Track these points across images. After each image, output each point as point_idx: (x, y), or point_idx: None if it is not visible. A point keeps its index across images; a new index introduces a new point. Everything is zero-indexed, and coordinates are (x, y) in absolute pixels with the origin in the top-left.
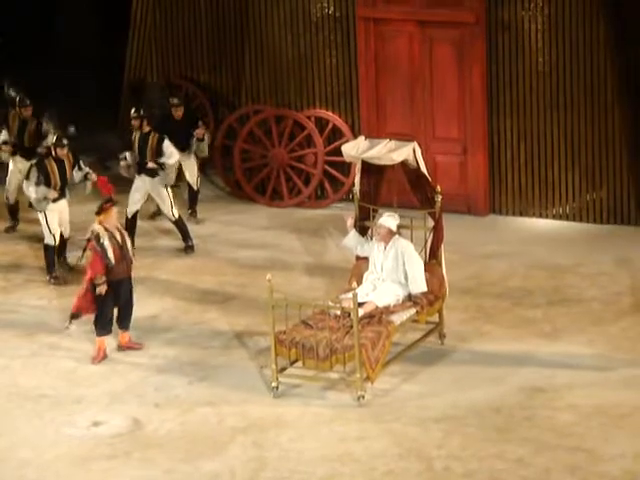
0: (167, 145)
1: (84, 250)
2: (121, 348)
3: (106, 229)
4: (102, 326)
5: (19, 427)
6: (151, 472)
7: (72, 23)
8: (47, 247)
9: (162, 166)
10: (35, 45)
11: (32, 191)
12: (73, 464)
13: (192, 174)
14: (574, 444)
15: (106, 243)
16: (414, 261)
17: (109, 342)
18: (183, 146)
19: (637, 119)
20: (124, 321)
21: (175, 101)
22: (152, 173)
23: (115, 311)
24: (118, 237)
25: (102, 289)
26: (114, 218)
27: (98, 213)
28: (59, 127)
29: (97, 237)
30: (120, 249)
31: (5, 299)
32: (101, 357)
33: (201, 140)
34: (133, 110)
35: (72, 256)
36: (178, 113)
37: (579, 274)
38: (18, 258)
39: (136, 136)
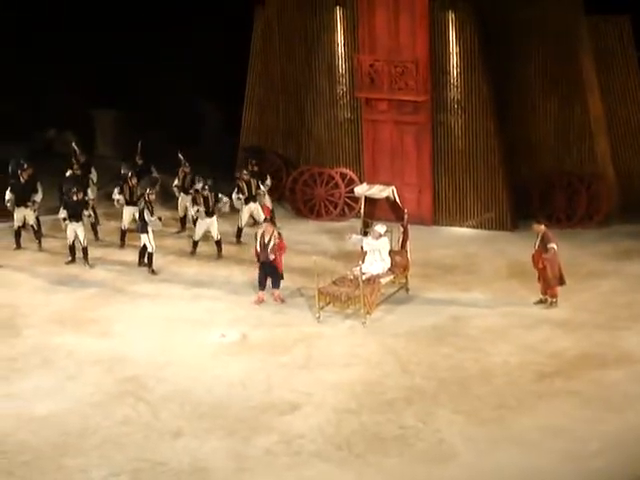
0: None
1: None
2: (275, 300)
3: (263, 233)
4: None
5: (179, 341)
6: (251, 362)
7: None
8: (151, 254)
9: (263, 192)
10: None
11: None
12: (210, 356)
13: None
14: (478, 346)
15: (258, 239)
16: (386, 250)
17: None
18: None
19: (509, 172)
20: (273, 284)
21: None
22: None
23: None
24: (266, 238)
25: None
26: (268, 228)
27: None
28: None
29: (260, 235)
30: (264, 245)
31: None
32: (259, 302)
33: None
34: (245, 172)
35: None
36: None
37: (479, 256)
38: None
39: (243, 184)
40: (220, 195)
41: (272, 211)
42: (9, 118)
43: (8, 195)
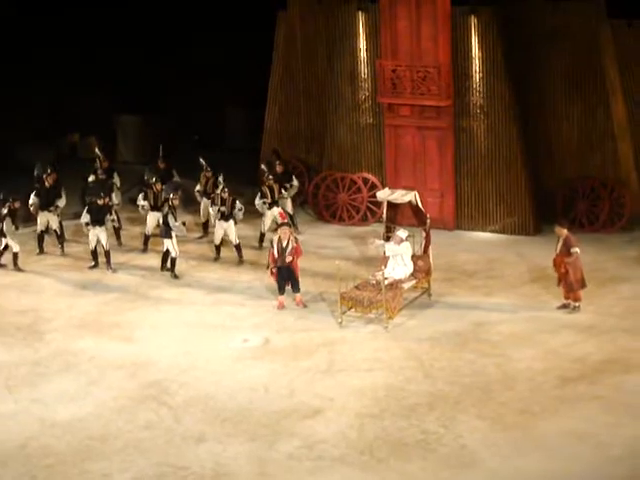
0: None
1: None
2: (298, 304)
3: (280, 237)
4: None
5: (202, 346)
6: (274, 366)
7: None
8: (174, 259)
9: (287, 193)
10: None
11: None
12: (232, 361)
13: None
14: (501, 352)
15: (274, 244)
16: (408, 255)
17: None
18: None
19: (532, 176)
20: (293, 288)
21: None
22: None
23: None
24: (284, 243)
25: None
26: (285, 233)
27: (276, 229)
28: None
29: (277, 240)
30: (281, 249)
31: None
32: (281, 307)
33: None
34: (270, 177)
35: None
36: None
37: (501, 261)
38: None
39: (266, 189)
40: (237, 202)
41: (292, 216)
42: (33, 123)
43: (32, 199)
